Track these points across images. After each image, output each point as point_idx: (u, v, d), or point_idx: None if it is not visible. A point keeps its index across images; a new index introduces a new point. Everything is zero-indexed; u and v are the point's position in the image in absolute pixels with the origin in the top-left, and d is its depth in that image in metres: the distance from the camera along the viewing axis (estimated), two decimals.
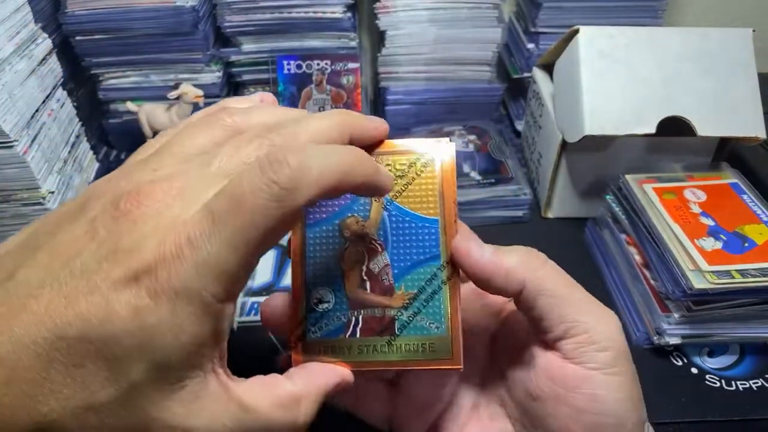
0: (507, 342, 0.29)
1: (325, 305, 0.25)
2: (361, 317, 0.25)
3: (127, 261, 0.18)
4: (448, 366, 0.25)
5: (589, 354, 0.24)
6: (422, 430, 0.29)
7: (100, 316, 0.18)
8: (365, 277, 0.25)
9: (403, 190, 0.26)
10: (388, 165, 0.26)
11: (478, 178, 0.57)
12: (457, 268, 0.25)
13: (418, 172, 0.26)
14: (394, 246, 0.25)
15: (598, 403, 0.24)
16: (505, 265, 0.24)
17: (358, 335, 0.25)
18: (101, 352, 0.18)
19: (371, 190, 0.22)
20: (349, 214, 0.26)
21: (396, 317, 0.25)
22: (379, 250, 0.25)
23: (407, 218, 0.25)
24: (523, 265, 0.24)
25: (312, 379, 0.24)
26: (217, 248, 0.18)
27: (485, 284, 0.25)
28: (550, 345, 0.25)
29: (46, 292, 0.18)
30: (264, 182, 0.18)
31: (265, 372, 0.41)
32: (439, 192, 0.25)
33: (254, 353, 0.42)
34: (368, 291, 0.25)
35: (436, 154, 0.26)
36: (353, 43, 0.62)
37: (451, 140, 0.26)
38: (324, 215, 0.26)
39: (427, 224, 0.25)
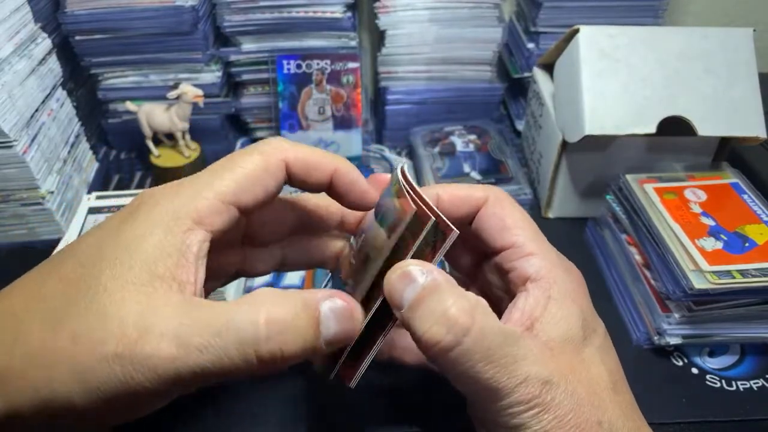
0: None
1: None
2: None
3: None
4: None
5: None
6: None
7: None
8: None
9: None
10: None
11: (478, 178, 0.57)
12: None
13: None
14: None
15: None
16: (412, 333, 0.24)
17: None
18: (75, 252, 0.22)
19: None
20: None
21: None
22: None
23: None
24: (426, 346, 0.23)
25: (304, 291, 0.24)
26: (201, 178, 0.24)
27: None
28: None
29: None
30: None
31: (268, 377, 0.41)
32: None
33: None
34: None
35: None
36: (353, 43, 0.62)
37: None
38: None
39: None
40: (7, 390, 0.20)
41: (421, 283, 0.23)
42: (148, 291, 0.21)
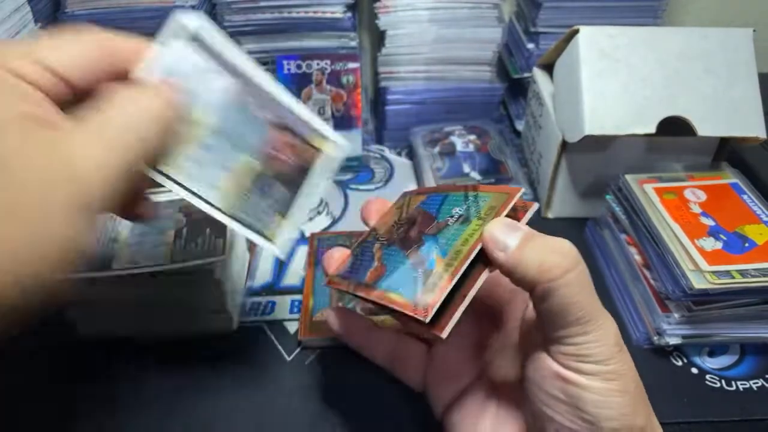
0: (530, 336, 0.29)
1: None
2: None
3: None
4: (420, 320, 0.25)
5: (585, 364, 0.24)
6: (450, 396, 0.32)
7: None
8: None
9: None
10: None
11: (478, 178, 0.57)
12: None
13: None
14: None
15: (598, 408, 0.24)
16: (521, 267, 0.24)
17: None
18: None
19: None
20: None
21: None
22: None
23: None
24: (541, 272, 0.24)
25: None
26: None
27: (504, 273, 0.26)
28: (549, 346, 0.25)
29: None
30: None
31: (266, 375, 0.41)
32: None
33: (254, 353, 0.42)
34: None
35: None
36: (353, 43, 0.62)
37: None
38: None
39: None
40: None
41: (524, 230, 0.25)
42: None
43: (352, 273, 0.31)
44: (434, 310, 0.24)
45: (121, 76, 0.25)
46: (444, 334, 0.24)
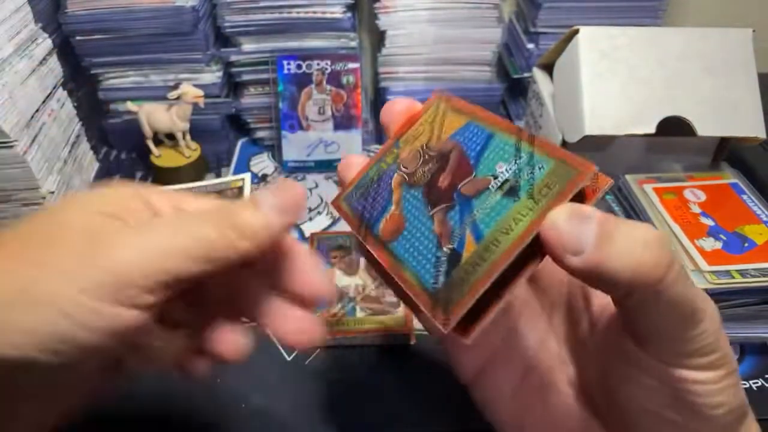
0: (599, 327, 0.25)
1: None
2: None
3: None
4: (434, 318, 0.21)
5: (697, 358, 0.21)
6: (475, 364, 0.29)
7: None
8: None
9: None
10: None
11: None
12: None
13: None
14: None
15: (711, 398, 0.21)
16: (607, 273, 0.18)
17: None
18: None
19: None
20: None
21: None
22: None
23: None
24: (638, 275, 0.18)
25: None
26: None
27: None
28: (648, 347, 0.21)
29: None
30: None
31: (266, 375, 0.41)
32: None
33: (254, 353, 0.42)
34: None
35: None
36: (353, 43, 0.62)
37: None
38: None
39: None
40: None
41: (598, 219, 0.19)
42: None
43: (365, 208, 0.25)
44: (459, 317, 0.20)
45: None
46: (469, 340, 0.20)
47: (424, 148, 0.25)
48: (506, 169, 0.22)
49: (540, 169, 0.21)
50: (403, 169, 0.25)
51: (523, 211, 0.20)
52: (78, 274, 0.19)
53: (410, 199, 0.24)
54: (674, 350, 0.20)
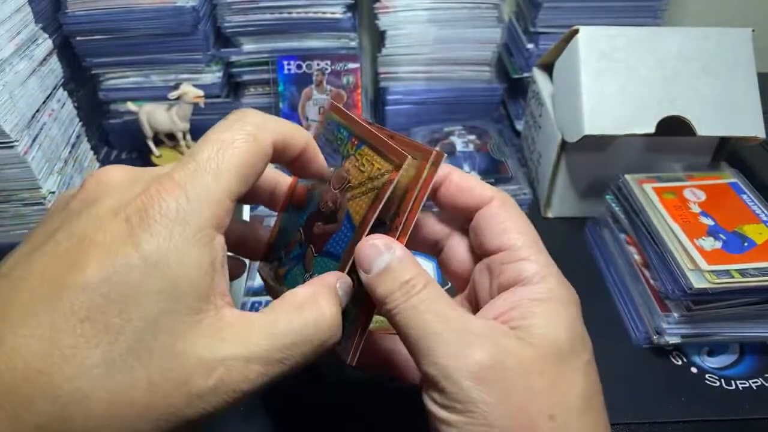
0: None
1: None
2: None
3: (117, 214, 0.21)
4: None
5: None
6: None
7: (101, 262, 0.19)
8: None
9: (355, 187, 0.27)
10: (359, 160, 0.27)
11: (478, 177, 0.57)
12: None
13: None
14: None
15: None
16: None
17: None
18: (108, 296, 0.19)
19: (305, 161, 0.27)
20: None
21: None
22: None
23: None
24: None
25: (319, 280, 0.25)
26: (204, 179, 0.22)
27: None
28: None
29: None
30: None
31: None
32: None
33: None
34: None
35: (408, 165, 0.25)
36: (353, 43, 0.62)
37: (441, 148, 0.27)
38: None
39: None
40: None
41: (386, 258, 0.25)
42: (202, 318, 0.21)
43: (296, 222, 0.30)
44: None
45: None
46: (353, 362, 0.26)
47: (338, 176, 0.29)
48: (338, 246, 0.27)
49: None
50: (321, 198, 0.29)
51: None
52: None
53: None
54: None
